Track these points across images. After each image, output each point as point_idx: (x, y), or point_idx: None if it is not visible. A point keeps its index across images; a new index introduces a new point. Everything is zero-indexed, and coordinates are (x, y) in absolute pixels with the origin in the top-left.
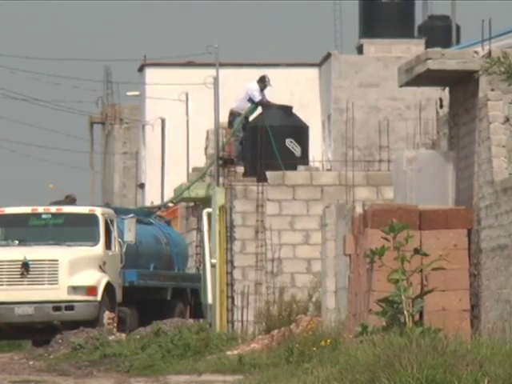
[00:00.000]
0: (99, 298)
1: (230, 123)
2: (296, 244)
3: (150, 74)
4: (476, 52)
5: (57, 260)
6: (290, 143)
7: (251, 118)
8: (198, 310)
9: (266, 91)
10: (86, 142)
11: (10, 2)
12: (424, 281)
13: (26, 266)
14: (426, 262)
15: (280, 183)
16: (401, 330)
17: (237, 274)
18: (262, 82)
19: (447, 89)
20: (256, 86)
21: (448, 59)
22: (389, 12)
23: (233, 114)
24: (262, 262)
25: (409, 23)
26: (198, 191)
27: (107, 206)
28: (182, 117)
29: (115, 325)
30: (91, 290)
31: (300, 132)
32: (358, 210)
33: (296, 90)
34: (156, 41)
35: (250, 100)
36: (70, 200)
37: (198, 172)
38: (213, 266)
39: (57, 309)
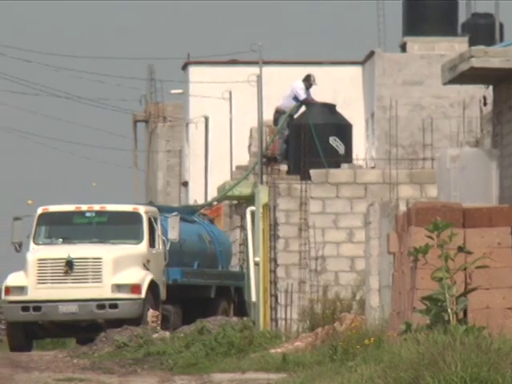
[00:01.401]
0: (143, 296)
1: (276, 121)
2: (340, 242)
3: (194, 72)
4: None
5: (101, 258)
6: (333, 141)
7: (295, 117)
8: (241, 308)
9: (312, 90)
10: (129, 140)
11: (54, 2)
12: (468, 279)
13: (69, 264)
14: (470, 260)
15: (323, 181)
16: (445, 328)
17: (280, 272)
18: (308, 81)
19: (491, 87)
20: (301, 85)
21: (491, 57)
22: (432, 10)
23: (278, 112)
24: (306, 260)
25: (452, 21)
26: (242, 189)
27: (151, 204)
28: (225, 115)
29: (159, 323)
30: (135, 288)
31: (343, 130)
32: (402, 208)
33: (339, 88)
34: (200, 39)
35: (295, 98)
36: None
37: (242, 170)
38: (256, 264)
39: (101, 307)
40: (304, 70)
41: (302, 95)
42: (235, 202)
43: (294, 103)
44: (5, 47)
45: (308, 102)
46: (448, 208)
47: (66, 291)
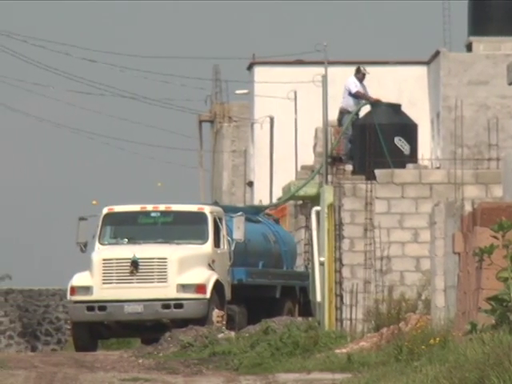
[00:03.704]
0: (208, 295)
1: (339, 121)
2: (405, 242)
3: (259, 72)
4: None
5: (166, 258)
6: (398, 141)
7: (360, 115)
8: (306, 308)
9: (366, 82)
10: (194, 140)
11: (119, 2)
12: None
13: (135, 264)
14: None
15: (389, 181)
16: (510, 328)
17: (345, 272)
18: (358, 73)
19: None
20: (352, 79)
21: None
22: (498, 10)
23: (342, 113)
24: (371, 260)
25: None
26: (307, 189)
27: (216, 204)
28: (290, 115)
29: (224, 323)
30: (200, 288)
31: (409, 130)
32: (467, 208)
33: (405, 87)
34: (265, 39)
35: (351, 94)
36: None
37: (307, 170)
38: (321, 264)
39: (166, 307)
40: (369, 70)
41: (353, 88)
42: (300, 202)
43: (351, 100)
44: (70, 47)
45: (360, 95)
46: None
47: (131, 291)
